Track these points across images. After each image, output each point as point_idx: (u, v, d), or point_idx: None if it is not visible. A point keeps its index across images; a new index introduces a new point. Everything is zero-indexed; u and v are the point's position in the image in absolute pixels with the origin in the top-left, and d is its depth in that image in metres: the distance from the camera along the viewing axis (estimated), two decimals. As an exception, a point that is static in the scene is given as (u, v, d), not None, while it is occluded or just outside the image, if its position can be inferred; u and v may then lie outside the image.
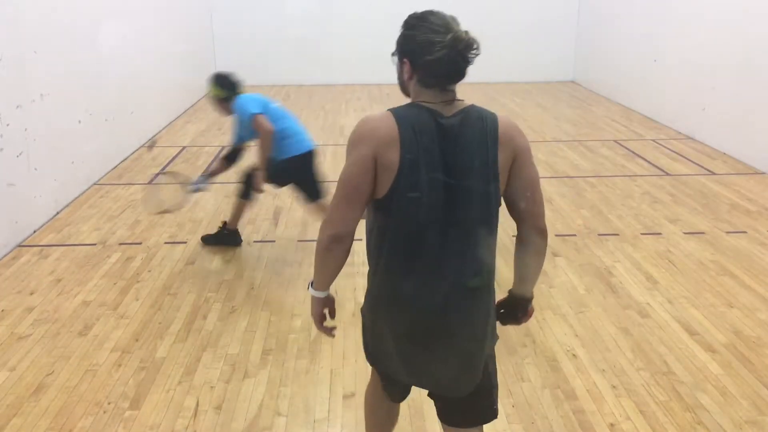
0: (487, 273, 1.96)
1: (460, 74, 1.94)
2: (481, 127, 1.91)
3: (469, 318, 1.96)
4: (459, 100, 1.96)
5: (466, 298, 1.94)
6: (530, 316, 2.15)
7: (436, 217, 1.88)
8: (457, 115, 1.91)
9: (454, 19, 1.95)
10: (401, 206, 1.88)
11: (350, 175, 1.88)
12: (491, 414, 2.14)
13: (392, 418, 2.48)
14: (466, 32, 1.91)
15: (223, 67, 11.53)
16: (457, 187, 1.87)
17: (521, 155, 1.95)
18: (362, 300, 3.41)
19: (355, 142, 1.89)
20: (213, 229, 5.15)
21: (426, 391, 2.20)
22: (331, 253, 1.98)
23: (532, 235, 2.00)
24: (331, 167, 6.85)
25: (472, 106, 1.97)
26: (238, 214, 4.79)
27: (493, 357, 2.12)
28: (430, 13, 1.93)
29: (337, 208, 1.92)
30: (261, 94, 4.60)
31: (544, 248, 2.02)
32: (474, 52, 1.94)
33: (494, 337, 2.08)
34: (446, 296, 1.92)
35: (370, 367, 3.38)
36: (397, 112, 1.89)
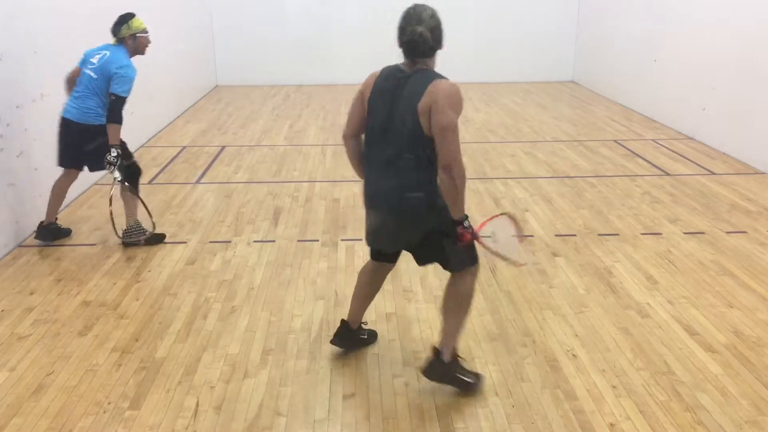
0: (410, 182, 2.87)
1: (417, 55, 2.84)
2: (422, 82, 2.80)
3: (397, 208, 2.93)
4: (423, 66, 2.86)
5: (399, 198, 2.90)
6: (462, 238, 2.91)
7: (380, 136, 2.91)
8: (413, 72, 2.84)
9: (432, 15, 2.85)
10: (368, 126, 2.98)
11: (351, 103, 3.06)
12: (448, 265, 3.14)
13: (374, 283, 3.40)
14: (421, 30, 2.78)
15: (223, 67, 11.67)
16: (394, 118, 2.85)
17: (435, 105, 2.74)
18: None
19: (361, 85, 3.02)
20: (213, 230, 5.15)
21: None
22: (346, 149, 3.11)
23: (439, 170, 2.80)
24: (331, 166, 6.86)
25: (428, 70, 2.86)
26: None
27: (437, 233, 2.97)
28: (414, 7, 2.86)
29: (346, 122, 3.08)
30: (98, 48, 4.81)
31: (448, 180, 2.79)
32: (421, 48, 2.82)
33: (428, 222, 2.95)
34: (384, 193, 2.95)
35: (369, 369, 3.40)
36: (383, 68, 2.96)
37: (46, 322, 3.79)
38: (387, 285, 4.23)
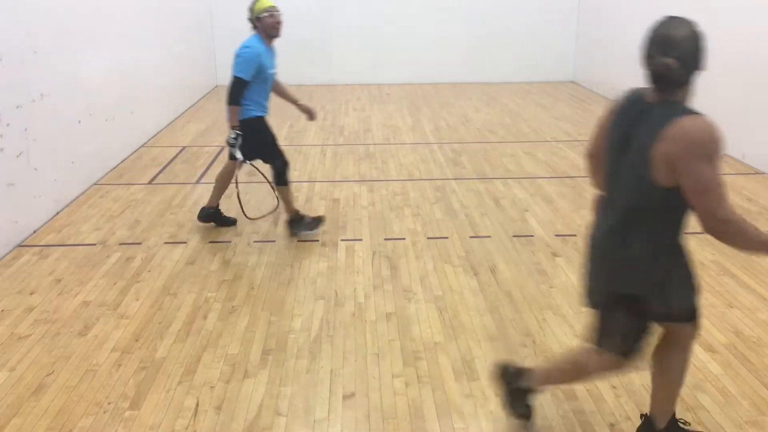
0: (626, 237, 2.38)
1: (664, 87, 2.27)
2: (661, 121, 2.22)
3: (602, 256, 2.51)
4: (671, 98, 2.27)
5: (608, 239, 2.46)
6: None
7: (611, 172, 2.44)
8: (657, 104, 2.27)
9: (687, 37, 2.24)
10: (604, 154, 2.49)
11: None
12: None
13: (657, 359, 2.67)
14: (667, 63, 2.20)
15: (223, 67, 11.62)
16: (625, 157, 2.35)
17: (675, 162, 2.18)
18: (362, 300, 3.51)
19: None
20: (213, 230, 5.15)
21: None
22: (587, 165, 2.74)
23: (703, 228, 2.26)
24: (331, 166, 6.86)
25: (674, 103, 2.26)
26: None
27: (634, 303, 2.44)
28: (663, 25, 2.26)
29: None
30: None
31: (717, 237, 2.25)
32: (668, 81, 2.24)
33: (628, 285, 2.43)
34: (598, 236, 2.52)
35: (368, 368, 3.40)
36: (634, 89, 2.42)
37: (46, 322, 3.79)
38: (387, 285, 4.23)
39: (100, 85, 6.40)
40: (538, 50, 11.85)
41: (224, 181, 5.07)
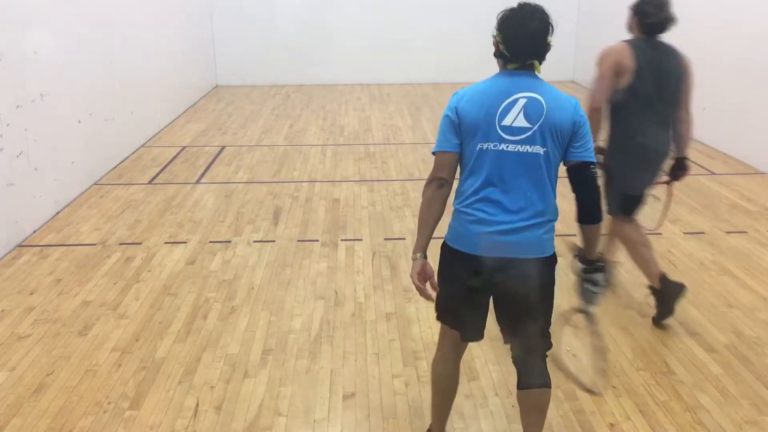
0: None
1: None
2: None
3: None
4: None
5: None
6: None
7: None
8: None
9: None
10: None
11: None
12: None
13: None
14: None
15: (223, 67, 11.66)
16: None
17: None
18: (363, 300, 3.50)
19: None
20: (213, 230, 5.15)
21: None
22: None
23: None
24: (331, 166, 6.86)
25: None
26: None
27: None
28: None
29: None
30: None
31: None
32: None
33: None
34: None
35: (368, 368, 3.40)
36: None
37: (46, 322, 3.79)
38: (387, 285, 4.23)
39: (100, 85, 6.40)
40: (538, 50, 11.84)
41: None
